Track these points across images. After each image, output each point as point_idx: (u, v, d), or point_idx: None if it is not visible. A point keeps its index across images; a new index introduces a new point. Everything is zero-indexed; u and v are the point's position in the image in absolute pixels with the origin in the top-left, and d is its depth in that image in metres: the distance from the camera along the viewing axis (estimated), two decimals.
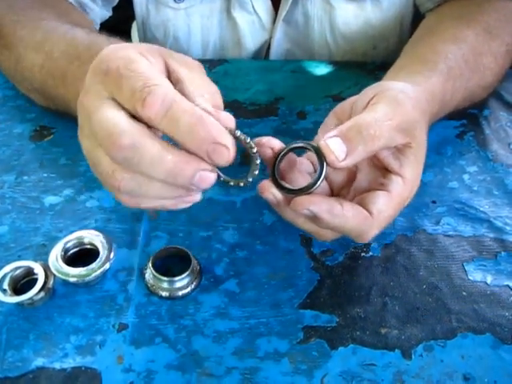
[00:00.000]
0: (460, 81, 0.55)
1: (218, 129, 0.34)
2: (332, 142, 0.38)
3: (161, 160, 0.34)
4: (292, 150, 0.40)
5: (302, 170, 0.43)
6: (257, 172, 0.38)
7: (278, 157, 0.40)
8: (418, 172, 0.43)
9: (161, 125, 0.34)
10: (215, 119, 0.35)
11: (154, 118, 0.34)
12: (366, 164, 0.44)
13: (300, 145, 0.40)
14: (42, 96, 0.58)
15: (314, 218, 0.39)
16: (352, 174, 0.45)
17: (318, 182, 0.39)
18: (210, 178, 0.35)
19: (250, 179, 0.38)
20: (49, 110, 0.59)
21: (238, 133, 0.36)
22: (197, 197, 0.38)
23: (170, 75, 0.38)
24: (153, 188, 0.36)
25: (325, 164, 0.39)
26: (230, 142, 0.35)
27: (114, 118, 0.34)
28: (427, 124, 0.47)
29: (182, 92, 0.36)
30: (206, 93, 0.37)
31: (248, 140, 0.37)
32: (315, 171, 0.40)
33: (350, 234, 0.41)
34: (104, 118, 0.35)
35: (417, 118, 0.43)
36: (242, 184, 0.38)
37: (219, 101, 0.38)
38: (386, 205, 0.41)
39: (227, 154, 0.34)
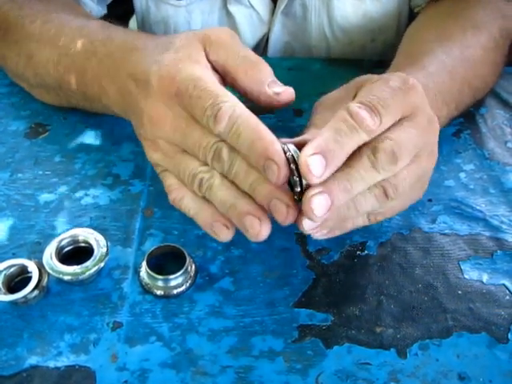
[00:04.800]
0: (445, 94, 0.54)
1: (273, 147, 0.37)
2: (312, 161, 0.37)
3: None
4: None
5: None
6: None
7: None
8: None
9: (228, 138, 0.38)
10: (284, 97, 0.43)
11: (223, 132, 0.38)
12: None
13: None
14: (54, 92, 0.57)
15: None
16: None
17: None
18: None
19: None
20: (54, 106, 0.59)
21: (290, 152, 0.38)
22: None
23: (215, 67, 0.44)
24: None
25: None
26: (281, 162, 0.37)
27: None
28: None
29: (235, 82, 0.44)
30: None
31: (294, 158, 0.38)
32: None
33: None
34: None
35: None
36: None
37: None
38: None
39: (277, 171, 0.37)
